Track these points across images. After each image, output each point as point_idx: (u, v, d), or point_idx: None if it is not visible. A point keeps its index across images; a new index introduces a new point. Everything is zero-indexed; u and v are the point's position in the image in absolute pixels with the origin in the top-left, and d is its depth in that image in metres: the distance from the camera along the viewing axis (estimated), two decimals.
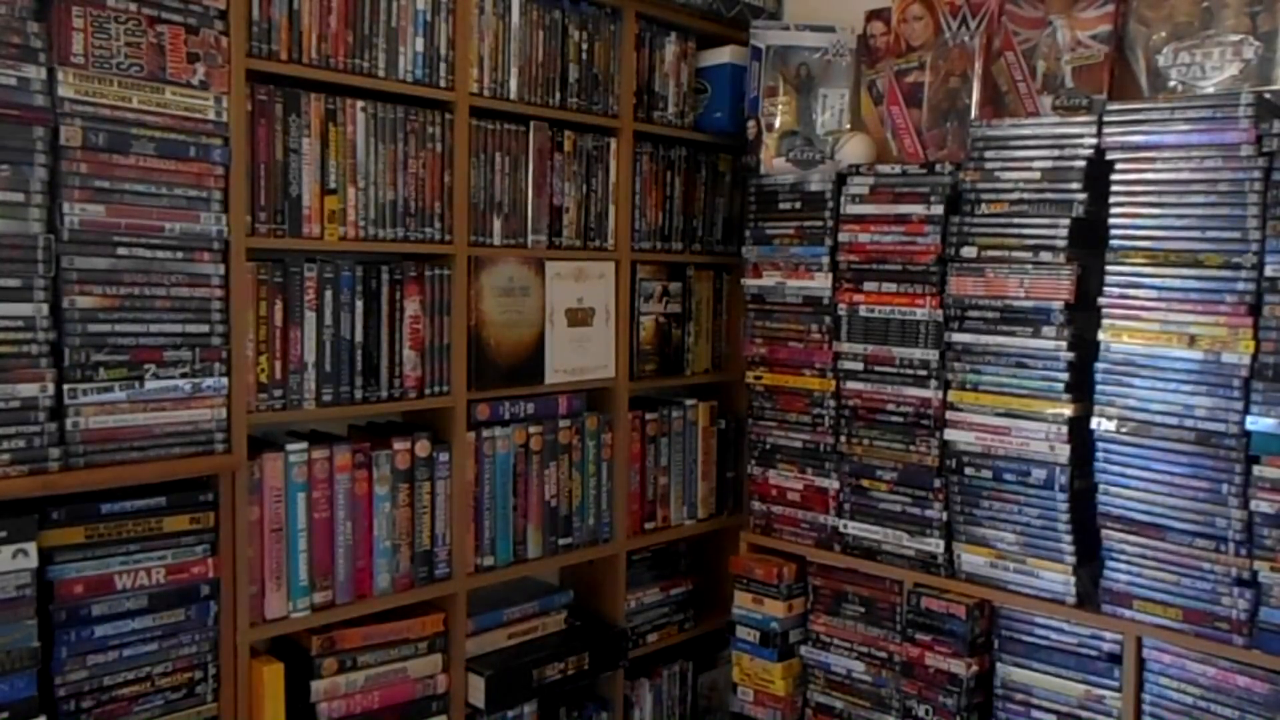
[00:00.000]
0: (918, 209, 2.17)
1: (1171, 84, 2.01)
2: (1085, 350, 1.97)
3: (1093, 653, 2.00)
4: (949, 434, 2.14)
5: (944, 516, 2.16)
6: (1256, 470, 1.79)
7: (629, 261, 2.48)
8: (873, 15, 2.44)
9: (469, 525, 2.22)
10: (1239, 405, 1.80)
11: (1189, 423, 1.85)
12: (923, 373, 2.17)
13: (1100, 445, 1.95)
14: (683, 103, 2.57)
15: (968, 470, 2.12)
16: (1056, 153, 2.00)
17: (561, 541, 2.40)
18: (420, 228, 2.10)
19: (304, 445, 1.97)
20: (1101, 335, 1.93)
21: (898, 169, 2.21)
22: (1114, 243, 1.92)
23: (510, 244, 2.25)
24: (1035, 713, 2.07)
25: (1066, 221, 1.98)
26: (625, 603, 2.54)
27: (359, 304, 2.03)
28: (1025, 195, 2.03)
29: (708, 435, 2.72)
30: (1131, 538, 1.93)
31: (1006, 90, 2.22)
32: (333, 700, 2.03)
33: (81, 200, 1.65)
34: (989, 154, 2.08)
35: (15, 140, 1.58)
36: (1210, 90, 1.96)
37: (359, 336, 2.03)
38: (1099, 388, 1.94)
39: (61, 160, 1.63)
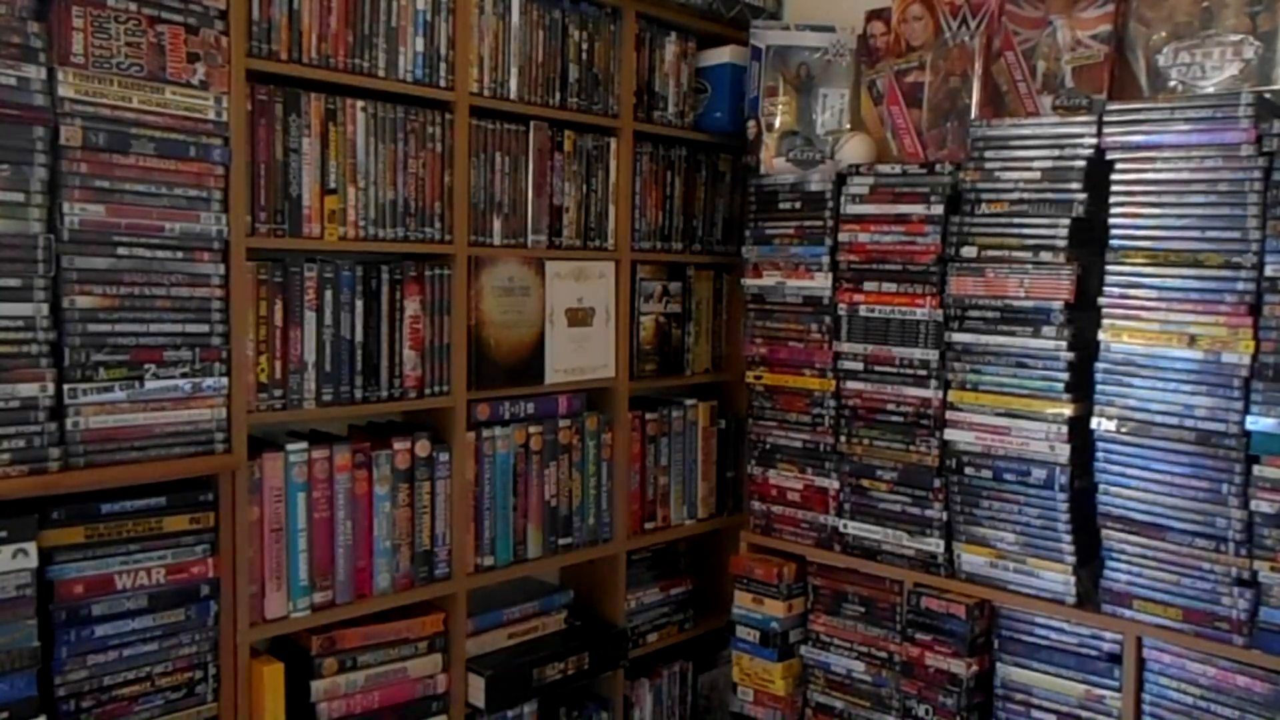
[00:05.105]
0: (918, 209, 2.17)
1: (1171, 84, 2.01)
2: (1085, 350, 1.97)
3: (1093, 653, 2.00)
4: (949, 434, 2.14)
5: (944, 516, 2.16)
6: (1256, 470, 1.79)
7: (629, 261, 2.48)
8: (873, 15, 2.44)
9: (469, 525, 2.22)
10: (1239, 405, 1.80)
11: (1189, 423, 1.85)
12: (923, 373, 2.17)
13: (1100, 445, 1.95)
14: (683, 103, 2.57)
15: (968, 470, 2.12)
16: (1056, 153, 2.00)
17: (561, 541, 2.40)
18: (420, 228, 2.10)
19: (304, 445, 1.97)
20: (1101, 335, 1.93)
21: (898, 169, 2.21)
22: (1114, 243, 1.92)
23: (510, 244, 2.25)
24: (1035, 713, 2.07)
25: (1066, 221, 1.98)
26: (625, 603, 2.54)
27: (359, 304, 2.03)
28: (1025, 195, 2.03)
29: (708, 435, 2.72)
30: (1131, 538, 1.93)
31: (1006, 90, 2.22)
32: (333, 700, 2.03)
33: (81, 200, 1.65)
34: (989, 154, 2.08)
35: (15, 140, 1.58)
36: (1210, 90, 1.96)
37: (359, 336, 2.03)
38: (1099, 388, 1.94)
39: (61, 160, 1.63)
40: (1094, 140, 1.95)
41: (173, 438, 1.76)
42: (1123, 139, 1.91)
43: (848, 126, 2.44)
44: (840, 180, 2.29)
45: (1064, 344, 1.99)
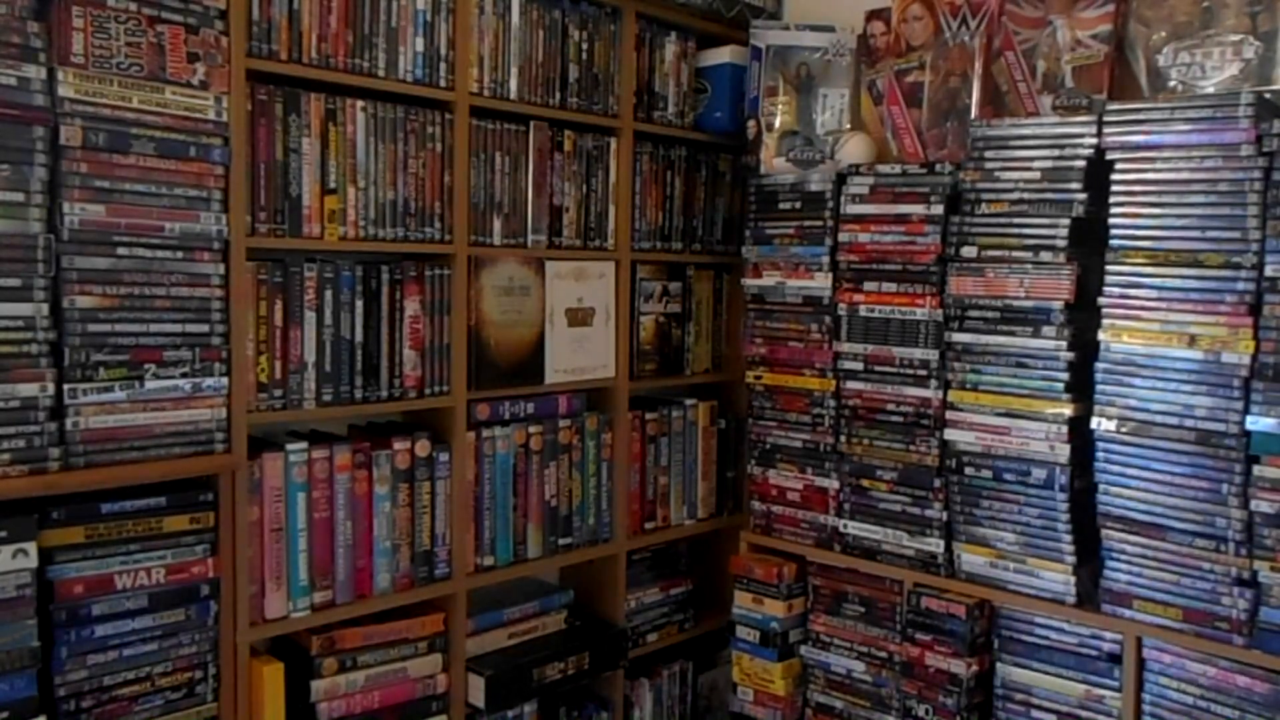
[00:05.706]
0: (918, 209, 2.17)
1: (1171, 84, 2.01)
2: (1085, 350, 1.97)
3: (1093, 653, 2.00)
4: (949, 434, 2.14)
5: (944, 516, 2.16)
6: (1256, 470, 1.79)
7: (629, 261, 2.48)
8: (873, 15, 2.44)
9: (469, 525, 2.22)
10: (1239, 405, 1.80)
11: (1189, 423, 1.85)
12: (923, 373, 2.17)
13: (1100, 445, 1.95)
14: (683, 103, 2.57)
15: (968, 470, 2.12)
16: (1056, 153, 2.00)
17: (561, 541, 2.40)
18: (420, 228, 2.10)
19: (304, 445, 1.97)
20: (1101, 335, 1.93)
21: (898, 169, 2.21)
22: (1114, 243, 1.92)
23: (510, 244, 2.25)
24: (1035, 713, 2.07)
25: (1066, 221, 1.98)
26: (625, 603, 2.54)
27: (359, 304, 2.03)
28: (1025, 195, 2.03)
29: (708, 435, 2.72)
30: (1131, 538, 1.93)
31: (1006, 90, 2.22)
32: (333, 700, 2.03)
33: (81, 200, 1.65)
34: (989, 154, 2.08)
35: (15, 140, 1.58)
36: (1210, 90, 1.96)
37: (359, 336, 2.03)
38: (1099, 388, 1.94)
39: (61, 160, 1.63)
40: (1094, 140, 1.95)
41: (173, 438, 1.76)
42: (1123, 139, 1.91)
43: (848, 126, 2.44)
44: (840, 180, 2.29)
45: (1064, 344, 1.99)
